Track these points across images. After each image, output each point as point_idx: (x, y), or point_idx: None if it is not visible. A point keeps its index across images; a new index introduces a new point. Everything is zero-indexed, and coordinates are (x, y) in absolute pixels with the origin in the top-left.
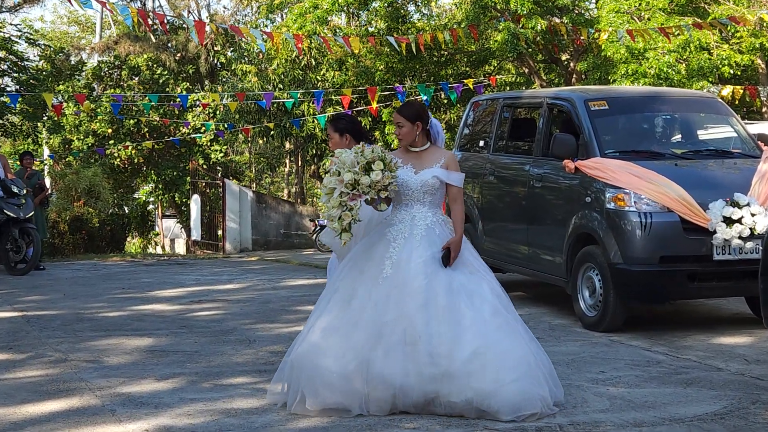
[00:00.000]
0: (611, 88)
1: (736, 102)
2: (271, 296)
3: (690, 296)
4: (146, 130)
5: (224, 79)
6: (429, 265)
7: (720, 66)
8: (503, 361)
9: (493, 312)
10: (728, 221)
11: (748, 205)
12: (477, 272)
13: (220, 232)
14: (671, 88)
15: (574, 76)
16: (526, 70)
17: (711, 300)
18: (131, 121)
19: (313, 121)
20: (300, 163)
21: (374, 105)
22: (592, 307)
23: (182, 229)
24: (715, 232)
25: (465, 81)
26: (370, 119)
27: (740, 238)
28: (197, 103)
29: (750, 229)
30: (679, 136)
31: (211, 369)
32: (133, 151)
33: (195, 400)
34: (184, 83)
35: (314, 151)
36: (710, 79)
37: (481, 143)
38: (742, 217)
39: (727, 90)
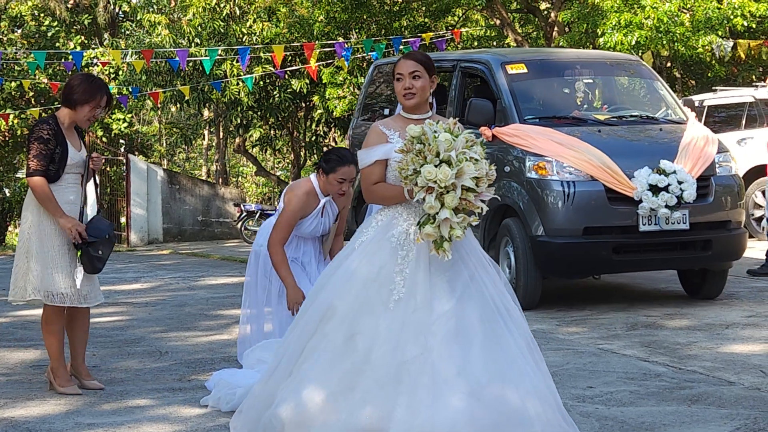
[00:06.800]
0: (528, 50)
1: (750, 61)
2: (187, 298)
3: (615, 270)
4: (31, 95)
5: (128, 33)
6: (455, 278)
7: (731, 17)
8: (555, 400)
9: (527, 338)
10: (654, 189)
11: (674, 172)
12: (499, 278)
13: (123, 220)
14: (593, 50)
15: (556, 28)
16: (498, 22)
17: (719, 302)
18: (12, 84)
19: (238, 84)
20: (222, 135)
21: (313, 64)
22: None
23: None
24: (640, 201)
25: (422, 35)
26: (307, 81)
27: (667, 207)
28: (94, 61)
29: (677, 197)
30: (602, 101)
31: (112, 388)
32: (15, 121)
33: (93, 425)
34: (78, 37)
35: (239, 121)
36: (720, 33)
37: (386, 111)
38: (669, 185)
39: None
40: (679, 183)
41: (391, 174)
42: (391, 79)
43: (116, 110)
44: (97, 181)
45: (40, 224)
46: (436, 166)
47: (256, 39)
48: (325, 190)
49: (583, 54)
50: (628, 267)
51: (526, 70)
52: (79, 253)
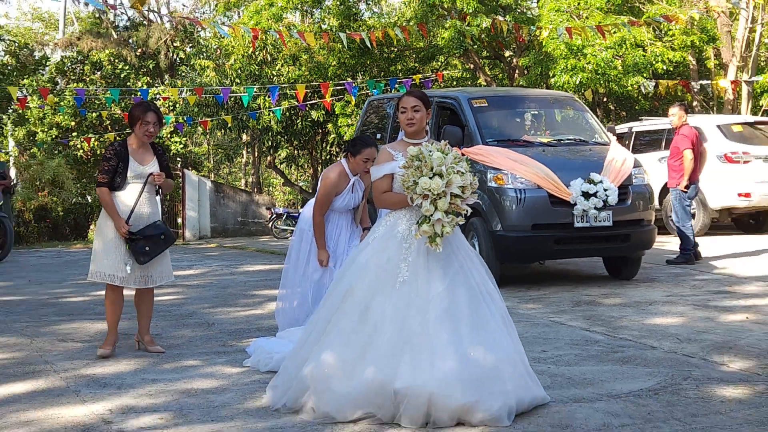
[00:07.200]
0: (488, 89)
1: (669, 97)
2: (229, 281)
3: (555, 257)
4: (108, 122)
5: (183, 74)
6: (448, 266)
7: (654, 62)
8: (523, 363)
9: (503, 314)
10: (586, 195)
11: (601, 182)
12: (483, 267)
13: (180, 221)
14: (538, 89)
15: (517, 71)
16: (472, 66)
17: (644, 284)
18: (93, 114)
19: (269, 114)
20: (256, 154)
21: (327, 99)
22: None
23: None
24: (575, 204)
25: (413, 76)
26: (323, 112)
27: (595, 208)
28: (157, 97)
29: (603, 201)
30: (545, 127)
31: (171, 351)
32: (96, 143)
33: (156, 380)
34: (145, 78)
35: (270, 143)
36: (645, 75)
37: (378, 136)
38: (597, 191)
39: (652, 84)
40: (605, 190)
41: (396, 185)
42: (381, 111)
43: (174, 135)
44: (161, 195)
45: (104, 223)
46: (430, 178)
47: (284, 79)
48: (353, 170)
49: (531, 92)
50: (565, 255)
51: (487, 104)
52: (127, 246)
